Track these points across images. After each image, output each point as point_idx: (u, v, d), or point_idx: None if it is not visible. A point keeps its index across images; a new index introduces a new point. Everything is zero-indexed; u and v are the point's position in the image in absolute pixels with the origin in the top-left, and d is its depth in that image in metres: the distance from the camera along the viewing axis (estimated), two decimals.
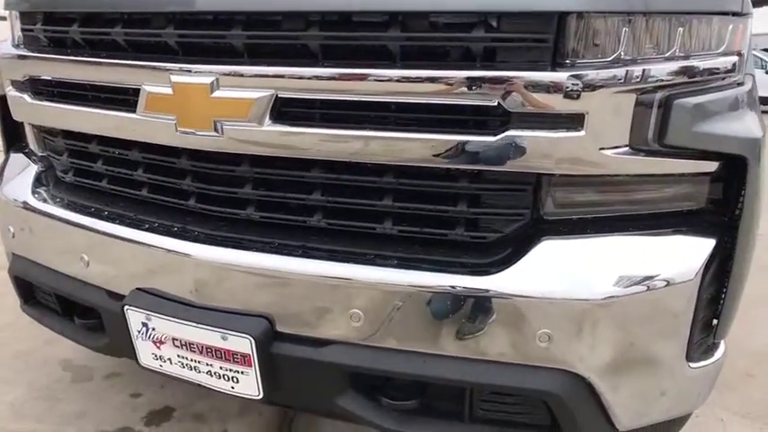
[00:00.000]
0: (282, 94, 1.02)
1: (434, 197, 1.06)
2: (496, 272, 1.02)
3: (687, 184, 1.09)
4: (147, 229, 1.19)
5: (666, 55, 1.00)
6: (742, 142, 1.05)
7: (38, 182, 1.43)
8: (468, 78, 0.94)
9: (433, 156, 0.99)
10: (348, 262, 1.06)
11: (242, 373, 1.11)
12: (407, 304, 1.03)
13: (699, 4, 1.02)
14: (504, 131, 0.96)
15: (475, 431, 1.11)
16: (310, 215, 1.11)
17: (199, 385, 1.18)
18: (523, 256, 1.03)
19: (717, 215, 1.10)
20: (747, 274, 1.17)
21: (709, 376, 1.21)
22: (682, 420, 1.29)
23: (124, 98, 1.17)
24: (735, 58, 1.07)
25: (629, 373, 1.08)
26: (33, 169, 1.47)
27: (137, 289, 1.19)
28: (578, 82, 0.93)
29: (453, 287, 1.01)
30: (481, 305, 1.01)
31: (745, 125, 1.07)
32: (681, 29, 1.00)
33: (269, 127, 1.04)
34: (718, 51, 1.05)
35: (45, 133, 1.42)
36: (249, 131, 1.05)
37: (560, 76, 0.93)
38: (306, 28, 1.00)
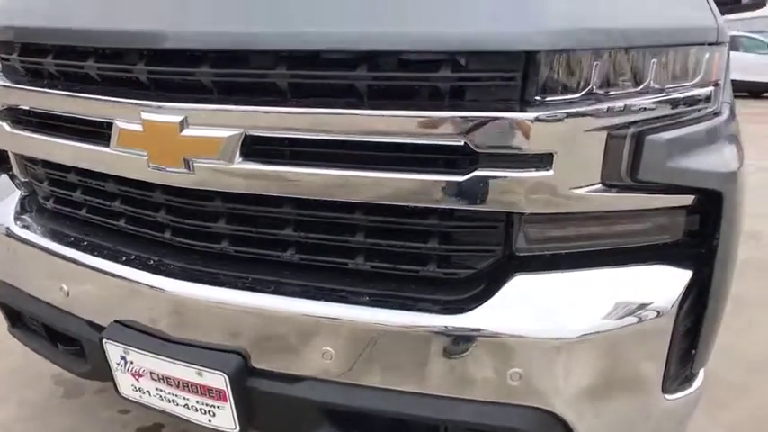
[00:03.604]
0: (251, 133, 1.02)
1: (406, 234, 1.05)
2: (467, 310, 1.01)
3: (663, 218, 1.07)
4: (123, 262, 1.19)
5: (639, 89, 0.99)
6: (717, 177, 1.03)
7: (21, 207, 1.45)
8: (433, 119, 0.94)
9: (402, 194, 0.99)
10: (320, 299, 1.06)
11: (218, 407, 1.12)
12: (378, 342, 1.03)
13: (673, 37, 1.00)
14: (472, 171, 0.95)
15: None
16: (283, 250, 1.11)
17: (177, 417, 1.19)
18: (495, 293, 1.02)
19: (694, 247, 1.09)
20: (725, 303, 1.16)
21: (687, 406, 1.21)
22: None
23: (98, 131, 1.17)
24: (711, 89, 1.05)
25: (602, 408, 1.08)
26: (17, 194, 1.48)
27: (115, 321, 1.19)
28: (546, 121, 0.92)
29: (424, 326, 1.01)
30: (451, 343, 1.01)
31: (720, 158, 1.05)
32: (654, 62, 0.99)
33: (239, 165, 1.04)
34: (694, 83, 1.04)
35: (26, 160, 1.43)
36: (219, 169, 1.05)
37: (526, 116, 0.92)
38: (273, 66, 0.99)
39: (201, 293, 1.11)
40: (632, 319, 1.03)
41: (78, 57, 1.17)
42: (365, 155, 1.00)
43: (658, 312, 1.04)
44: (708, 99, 1.05)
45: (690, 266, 1.08)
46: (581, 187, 0.98)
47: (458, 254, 1.05)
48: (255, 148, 1.04)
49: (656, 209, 1.05)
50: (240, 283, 1.11)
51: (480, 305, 1.01)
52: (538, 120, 0.92)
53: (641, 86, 0.99)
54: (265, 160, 1.03)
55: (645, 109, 0.99)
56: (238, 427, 1.13)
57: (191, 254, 1.17)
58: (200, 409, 1.14)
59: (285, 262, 1.12)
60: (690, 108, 1.03)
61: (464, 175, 0.96)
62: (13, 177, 1.51)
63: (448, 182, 0.96)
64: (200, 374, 1.10)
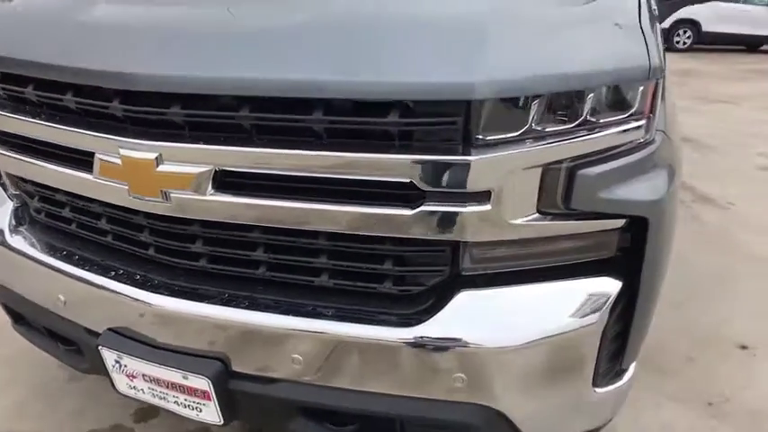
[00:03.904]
0: (221, 168, 1.13)
1: (364, 256, 1.17)
2: (418, 323, 1.15)
3: (597, 238, 1.19)
4: (112, 277, 1.32)
5: (574, 125, 1.09)
6: (643, 205, 1.15)
7: (15, 218, 1.55)
8: (381, 160, 1.04)
9: (358, 225, 1.11)
10: (289, 313, 1.19)
11: (203, 404, 1.27)
12: (341, 350, 1.17)
13: (606, 78, 1.08)
14: (418, 206, 1.07)
15: None
16: (255, 269, 1.24)
17: (170, 411, 1.34)
18: (442, 307, 1.15)
19: (624, 262, 1.21)
20: (653, 309, 1.30)
21: (618, 395, 1.36)
22: (597, 430, 1.44)
23: (82, 159, 1.27)
24: (643, 122, 1.15)
25: (538, 403, 1.23)
26: (10, 204, 1.58)
27: (108, 329, 1.33)
28: (484, 162, 1.03)
29: (380, 337, 1.15)
30: (404, 351, 1.15)
31: (647, 187, 1.16)
32: (589, 99, 1.07)
33: (211, 197, 1.15)
34: (626, 116, 1.13)
35: (15, 177, 1.53)
36: (193, 200, 1.16)
37: (465, 159, 1.02)
38: (238, 109, 1.09)
39: (183, 307, 1.24)
40: (565, 328, 1.16)
41: (58, 89, 1.25)
42: (323, 189, 1.11)
43: (590, 320, 1.17)
44: (639, 130, 1.15)
45: (620, 279, 1.20)
46: (518, 217, 1.09)
47: (410, 273, 1.18)
48: (225, 181, 1.14)
49: (591, 232, 1.18)
50: (218, 297, 1.24)
51: (429, 318, 1.15)
52: (476, 162, 1.03)
53: (576, 122, 1.09)
54: (235, 192, 1.15)
55: (578, 144, 1.09)
56: (223, 421, 1.29)
57: (173, 270, 1.30)
58: (188, 406, 1.29)
59: (258, 279, 1.24)
60: (622, 140, 1.13)
61: (412, 209, 1.07)
62: (5, 188, 1.61)
63: (398, 215, 1.08)
64: (185, 378, 1.24)
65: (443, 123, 1.04)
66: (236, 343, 1.23)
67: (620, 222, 1.17)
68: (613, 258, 1.22)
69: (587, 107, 1.08)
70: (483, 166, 1.04)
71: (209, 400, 1.25)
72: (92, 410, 1.88)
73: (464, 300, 1.16)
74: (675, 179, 1.26)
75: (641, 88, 1.13)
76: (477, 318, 1.15)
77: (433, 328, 1.14)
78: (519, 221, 1.10)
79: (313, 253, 1.19)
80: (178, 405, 1.30)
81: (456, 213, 1.07)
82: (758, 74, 8.76)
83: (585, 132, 1.09)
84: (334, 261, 1.18)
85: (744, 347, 2.32)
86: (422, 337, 1.13)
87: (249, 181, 1.14)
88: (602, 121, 1.11)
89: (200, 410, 1.29)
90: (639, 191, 1.15)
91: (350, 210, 1.10)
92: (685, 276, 2.87)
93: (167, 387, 1.28)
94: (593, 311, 1.17)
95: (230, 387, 1.25)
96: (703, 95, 7.10)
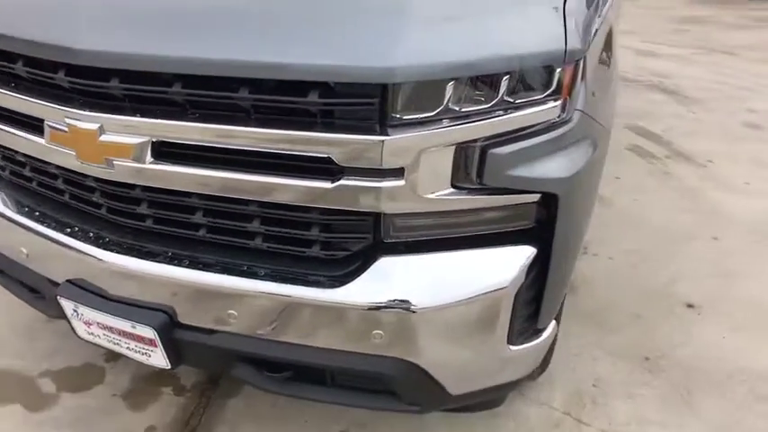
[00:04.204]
0: (158, 140, 1.21)
1: (293, 223, 1.27)
2: (341, 284, 1.25)
3: (515, 210, 1.27)
4: (69, 233, 1.42)
5: (488, 107, 1.15)
6: (553, 182, 1.22)
7: None
8: (301, 137, 1.12)
9: (284, 195, 1.20)
10: (225, 272, 1.29)
11: (151, 351, 1.40)
12: (272, 307, 1.28)
13: (521, 62, 1.14)
14: (338, 180, 1.15)
15: (336, 394, 1.42)
16: (196, 231, 1.34)
17: (125, 355, 1.48)
18: (364, 271, 1.26)
19: (540, 233, 1.30)
20: (566, 278, 1.40)
21: (536, 351, 1.48)
22: (514, 383, 1.57)
23: (35, 124, 1.35)
24: (559, 102, 1.21)
25: (455, 359, 1.35)
26: None
27: (67, 281, 1.45)
28: (397, 141, 1.11)
29: (307, 297, 1.25)
30: (328, 310, 1.26)
31: (559, 165, 1.23)
32: (503, 83, 1.14)
33: (150, 165, 1.23)
34: (542, 97, 1.19)
35: None
36: (134, 168, 1.25)
37: (379, 138, 1.10)
38: (171, 85, 1.16)
39: (131, 263, 1.34)
40: (478, 292, 1.26)
41: (11, 59, 1.32)
42: (252, 161, 1.19)
43: (501, 285, 1.27)
44: (555, 110, 1.21)
45: (534, 248, 1.29)
46: (433, 192, 1.18)
47: (336, 239, 1.28)
48: (163, 151, 1.23)
49: (508, 205, 1.26)
50: (162, 255, 1.34)
51: (351, 281, 1.25)
52: (390, 141, 1.10)
53: (492, 103, 1.15)
54: (172, 162, 1.23)
55: (493, 124, 1.16)
56: (170, 365, 1.42)
57: (123, 229, 1.40)
58: (139, 351, 1.42)
59: (199, 240, 1.34)
60: (537, 120, 1.20)
61: (332, 183, 1.16)
62: None
63: (319, 188, 1.17)
64: (134, 327, 1.36)
65: (361, 104, 1.11)
66: (179, 297, 1.35)
67: (536, 197, 1.25)
68: (531, 229, 1.31)
69: (503, 88, 1.14)
70: (397, 145, 1.11)
71: (156, 347, 1.38)
72: (67, 350, 2.03)
73: (384, 265, 1.26)
74: (594, 157, 1.33)
75: (558, 70, 1.19)
76: (396, 281, 1.25)
77: (353, 289, 1.24)
78: (433, 196, 1.18)
79: (247, 218, 1.29)
80: (130, 350, 1.44)
81: (372, 188, 1.15)
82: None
83: (501, 112, 1.16)
84: (266, 226, 1.28)
85: (690, 306, 2.44)
86: (343, 298, 1.24)
87: (185, 152, 1.23)
88: (517, 101, 1.17)
89: (149, 356, 1.42)
90: (551, 169, 1.22)
91: (276, 181, 1.19)
92: (646, 235, 2.96)
93: (119, 334, 1.41)
94: (505, 277, 1.27)
95: (175, 336, 1.38)
96: (703, 45, 6.96)
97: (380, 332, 1.26)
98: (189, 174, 1.23)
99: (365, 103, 1.11)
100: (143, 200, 1.34)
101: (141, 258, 1.35)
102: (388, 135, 1.11)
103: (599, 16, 1.48)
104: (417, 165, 1.14)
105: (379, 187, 1.15)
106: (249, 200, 1.25)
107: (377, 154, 1.11)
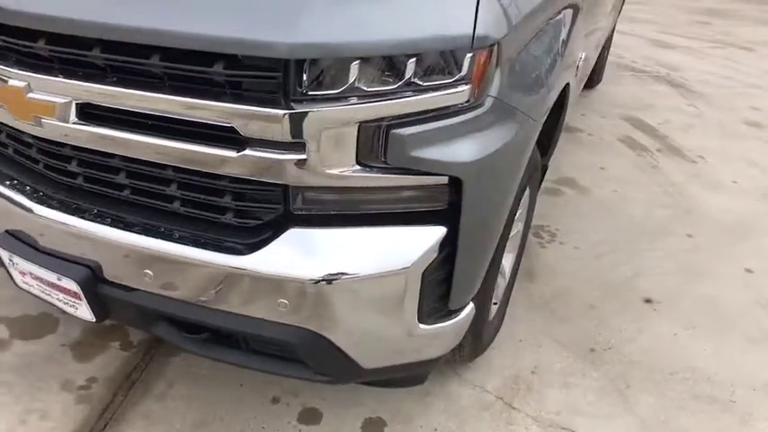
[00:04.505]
0: (81, 101, 1.25)
1: (208, 189, 1.30)
2: (251, 252, 1.29)
3: (427, 191, 1.29)
4: (8, 186, 1.48)
5: (395, 87, 1.16)
6: (456, 166, 1.24)
7: None
8: (206, 106, 1.15)
9: (195, 161, 1.23)
10: (144, 233, 1.34)
11: (77, 303, 1.46)
12: (185, 270, 1.33)
13: (426, 45, 1.15)
14: (242, 150, 1.18)
15: (249, 359, 1.47)
16: (120, 191, 1.38)
17: (56, 306, 1.54)
18: (272, 241, 1.29)
19: (451, 215, 1.32)
20: (478, 263, 1.41)
21: (451, 332, 1.51)
22: (432, 362, 1.60)
23: None
24: (467, 87, 1.21)
25: (363, 333, 1.39)
26: None
27: (5, 231, 1.51)
28: (298, 115, 1.13)
29: (217, 262, 1.30)
30: (236, 276, 1.30)
31: (464, 149, 1.25)
32: (410, 65, 1.15)
33: (73, 125, 1.28)
34: (451, 81, 1.20)
35: None
36: (60, 126, 1.29)
37: (279, 111, 1.12)
38: (91, 48, 1.19)
39: (59, 218, 1.40)
40: (383, 268, 1.29)
41: None
42: (166, 127, 1.23)
43: (406, 263, 1.29)
44: (463, 95, 1.22)
45: (444, 230, 1.32)
46: (336, 167, 1.20)
47: (247, 208, 1.31)
48: (85, 112, 1.27)
49: (419, 185, 1.28)
50: (88, 213, 1.40)
51: (260, 249, 1.29)
52: (291, 115, 1.13)
53: (399, 84, 1.17)
54: (94, 123, 1.28)
55: (399, 104, 1.17)
56: (95, 319, 1.49)
57: (57, 185, 1.45)
58: (67, 303, 1.49)
59: (123, 200, 1.39)
60: (444, 103, 1.21)
61: (237, 152, 1.19)
62: None
63: (226, 156, 1.20)
64: (59, 279, 1.43)
65: (264, 77, 1.14)
66: (103, 253, 1.40)
67: (444, 179, 1.27)
68: (443, 211, 1.33)
69: (411, 70, 1.16)
70: (300, 120, 1.14)
71: (81, 300, 1.44)
72: (28, 299, 2.09)
73: (293, 236, 1.29)
74: (509, 144, 1.34)
75: (469, 55, 1.19)
76: (302, 253, 1.29)
77: (260, 258, 1.28)
78: (337, 171, 1.21)
79: (165, 182, 1.33)
80: (60, 302, 1.50)
81: (275, 160, 1.18)
82: None
83: (408, 94, 1.17)
84: (182, 191, 1.32)
85: (648, 301, 2.44)
86: (250, 265, 1.28)
87: (106, 114, 1.27)
88: (425, 84, 1.18)
89: (76, 308, 1.48)
90: (455, 153, 1.24)
91: (186, 147, 1.22)
92: (619, 227, 2.95)
93: (48, 286, 1.47)
94: (411, 256, 1.30)
95: (99, 291, 1.43)
96: (720, 38, 6.76)
97: (285, 301, 1.30)
98: (110, 136, 1.27)
99: (269, 76, 1.13)
100: (72, 158, 1.39)
101: (69, 214, 1.40)
102: (291, 109, 1.13)
103: (536, 8, 1.46)
104: (320, 140, 1.16)
105: (282, 160, 1.18)
106: (166, 164, 1.29)
107: (279, 127, 1.14)
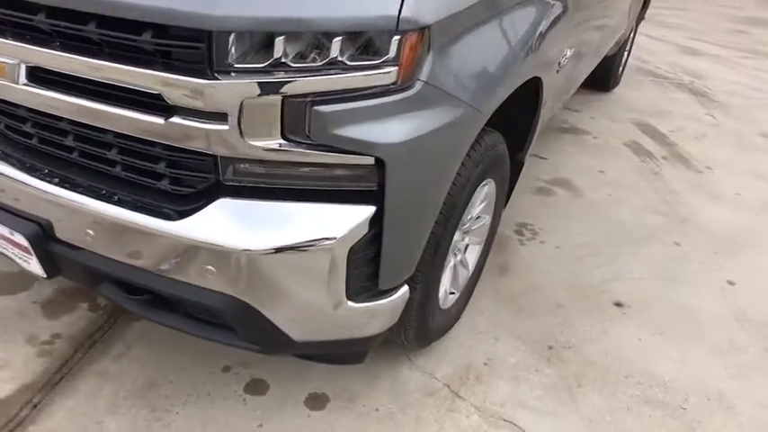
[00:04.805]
0: (28, 64, 1.32)
1: (144, 155, 1.36)
2: (179, 218, 1.34)
3: (354, 170, 1.32)
4: None
5: (320, 65, 1.20)
6: (378, 146, 1.26)
7: None
8: (133, 72, 1.21)
9: (129, 126, 1.29)
10: (86, 194, 1.40)
11: (29, 258, 1.54)
12: (123, 232, 1.39)
13: (348, 24, 1.17)
14: (169, 118, 1.23)
15: (184, 323, 1.52)
16: (69, 153, 1.45)
17: (12, 260, 1.63)
18: (202, 209, 1.34)
19: (380, 195, 1.34)
20: (406, 245, 1.44)
21: (385, 311, 1.54)
22: (367, 340, 1.63)
23: None
24: (394, 69, 1.24)
25: (287, 304, 1.42)
26: None
27: None
28: (221, 87, 1.17)
29: (150, 226, 1.35)
30: (167, 241, 1.35)
31: (387, 131, 1.27)
32: (335, 44, 1.18)
33: (23, 86, 1.35)
34: (378, 62, 1.22)
35: None
36: (10, 87, 1.37)
37: (203, 82, 1.17)
38: (36, 14, 1.26)
39: (14, 174, 1.47)
40: (306, 243, 1.32)
41: None
42: (104, 92, 1.29)
43: (330, 239, 1.32)
44: (389, 76, 1.24)
45: (371, 209, 1.34)
46: (261, 140, 1.24)
47: (180, 176, 1.36)
48: (34, 75, 1.34)
49: (343, 164, 1.31)
50: (40, 172, 1.47)
51: (189, 216, 1.34)
52: (213, 85, 1.17)
53: (324, 62, 1.20)
54: (43, 86, 1.34)
55: (322, 82, 1.20)
56: (46, 275, 1.56)
57: (15, 144, 1.53)
58: (20, 258, 1.57)
59: (71, 162, 1.46)
60: (369, 84, 1.23)
61: (164, 120, 1.24)
62: None
63: (154, 123, 1.25)
64: (12, 234, 1.51)
65: (191, 48, 1.18)
66: (51, 212, 1.47)
67: (370, 159, 1.29)
68: (373, 192, 1.35)
69: (337, 49, 1.19)
70: (222, 91, 1.18)
71: (31, 255, 1.52)
72: None
73: (222, 205, 1.33)
74: (440, 130, 1.35)
75: (396, 38, 1.22)
76: (230, 222, 1.33)
77: (188, 224, 1.32)
78: (261, 144, 1.24)
79: (107, 146, 1.39)
80: (15, 256, 1.59)
81: (200, 129, 1.23)
82: None
83: (333, 72, 1.20)
84: (123, 156, 1.38)
85: (619, 305, 2.41)
86: (178, 230, 1.33)
87: (53, 77, 1.34)
88: (351, 63, 1.21)
89: (29, 263, 1.56)
90: (378, 133, 1.26)
91: (122, 113, 1.28)
92: (606, 230, 2.92)
93: (3, 239, 1.56)
94: (334, 233, 1.32)
95: (49, 249, 1.51)
96: (755, 49, 6.55)
97: (212, 268, 1.35)
98: (56, 99, 1.34)
99: (194, 47, 1.17)
100: (27, 120, 1.47)
101: (23, 172, 1.47)
102: (214, 80, 1.17)
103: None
104: (243, 112, 1.20)
105: (206, 129, 1.22)
106: (107, 130, 1.35)
107: (202, 97, 1.18)
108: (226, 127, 1.22)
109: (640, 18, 4.90)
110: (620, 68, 4.77)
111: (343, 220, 1.34)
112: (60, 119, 1.40)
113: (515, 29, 1.69)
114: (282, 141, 1.25)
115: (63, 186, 1.43)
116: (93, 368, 1.88)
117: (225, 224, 1.33)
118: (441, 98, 1.36)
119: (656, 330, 2.28)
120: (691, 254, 2.78)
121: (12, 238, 1.52)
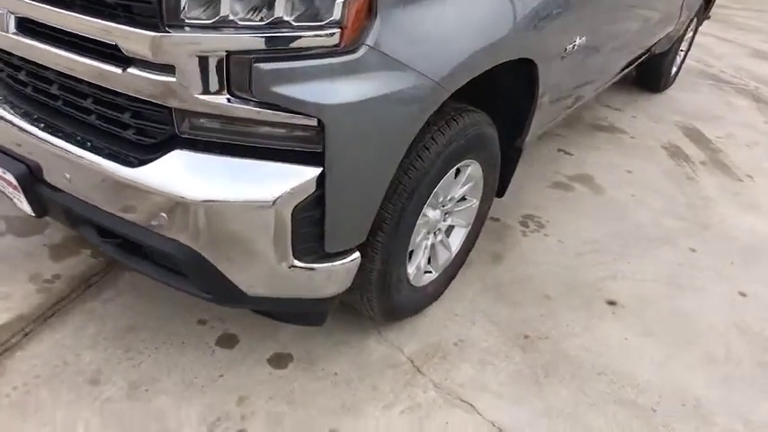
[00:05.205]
0: (16, 14, 1.45)
1: (113, 105, 1.46)
2: (137, 166, 1.43)
3: (302, 130, 1.37)
4: None
5: (265, 23, 1.25)
6: (316, 107, 1.30)
7: None
8: (93, 24, 1.30)
9: (94, 75, 1.39)
10: (64, 139, 1.53)
11: (19, 196, 1.69)
12: (93, 176, 1.50)
13: None
14: (127, 68, 1.32)
15: (150, 268, 1.61)
16: (54, 101, 1.58)
17: (8, 198, 1.78)
18: (158, 159, 1.43)
19: (318, 155, 1.38)
20: (354, 209, 1.47)
21: (332, 274, 1.57)
22: (320, 302, 1.67)
23: None
24: (337, 32, 1.27)
25: (234, 256, 1.49)
26: None
27: None
28: (167, 40, 1.25)
29: (113, 171, 1.45)
30: (127, 186, 1.45)
31: (327, 92, 1.30)
32: (281, 3, 1.23)
33: (12, 35, 1.49)
34: (323, 24, 1.26)
35: None
36: (3, 36, 1.50)
37: (152, 34, 1.25)
38: None
39: (9, 117, 1.61)
40: (250, 198, 1.38)
41: None
42: (78, 43, 1.40)
43: (271, 197, 1.37)
44: (332, 38, 1.27)
45: (315, 170, 1.38)
46: (207, 94, 1.31)
47: (145, 126, 1.45)
48: (22, 24, 1.47)
49: (289, 123, 1.35)
50: (29, 116, 1.61)
51: (147, 164, 1.43)
52: (161, 38, 1.25)
53: (269, 21, 1.25)
54: (30, 35, 1.47)
55: (266, 40, 1.26)
56: (34, 214, 1.71)
57: (11, 89, 1.68)
58: (12, 196, 1.72)
59: (56, 109, 1.59)
60: (312, 45, 1.27)
61: (123, 70, 1.33)
62: None
63: (114, 73, 1.34)
64: (4, 173, 1.65)
65: (145, 2, 1.26)
66: (37, 154, 1.61)
67: (314, 120, 1.33)
68: (319, 153, 1.39)
69: (281, 8, 1.24)
70: (169, 44, 1.26)
71: (20, 193, 1.66)
72: None
73: (176, 156, 1.41)
74: (385, 96, 1.37)
75: (341, 0, 1.25)
76: (181, 172, 1.41)
77: (144, 171, 1.42)
78: (207, 98, 1.31)
79: (83, 96, 1.50)
80: (10, 194, 1.74)
81: (152, 80, 1.31)
82: None
83: (278, 31, 1.25)
84: (96, 105, 1.49)
85: (611, 303, 2.34)
86: (136, 177, 1.42)
87: (39, 28, 1.46)
88: (296, 23, 1.26)
89: (21, 201, 1.71)
90: (317, 94, 1.30)
91: (89, 62, 1.38)
92: (618, 230, 2.82)
93: (0, 179, 1.71)
94: (276, 191, 1.37)
95: (36, 190, 1.65)
96: None
97: (164, 215, 1.43)
98: (39, 48, 1.46)
99: (147, 1, 1.25)
100: (21, 67, 1.61)
101: (14, 115, 1.62)
102: (162, 33, 1.25)
103: None
104: (189, 65, 1.27)
105: (156, 80, 1.30)
106: (81, 79, 1.46)
107: (151, 49, 1.26)
108: (174, 79, 1.29)
109: (702, 17, 4.65)
110: (674, 69, 4.55)
111: (287, 179, 1.39)
112: (46, 68, 1.52)
113: (491, 6, 1.67)
114: (228, 96, 1.31)
115: (47, 131, 1.56)
116: (84, 308, 2.03)
117: (175, 173, 1.41)
118: (388, 65, 1.38)
119: (644, 332, 2.20)
120: (704, 261, 2.65)
121: (4, 176, 1.67)
